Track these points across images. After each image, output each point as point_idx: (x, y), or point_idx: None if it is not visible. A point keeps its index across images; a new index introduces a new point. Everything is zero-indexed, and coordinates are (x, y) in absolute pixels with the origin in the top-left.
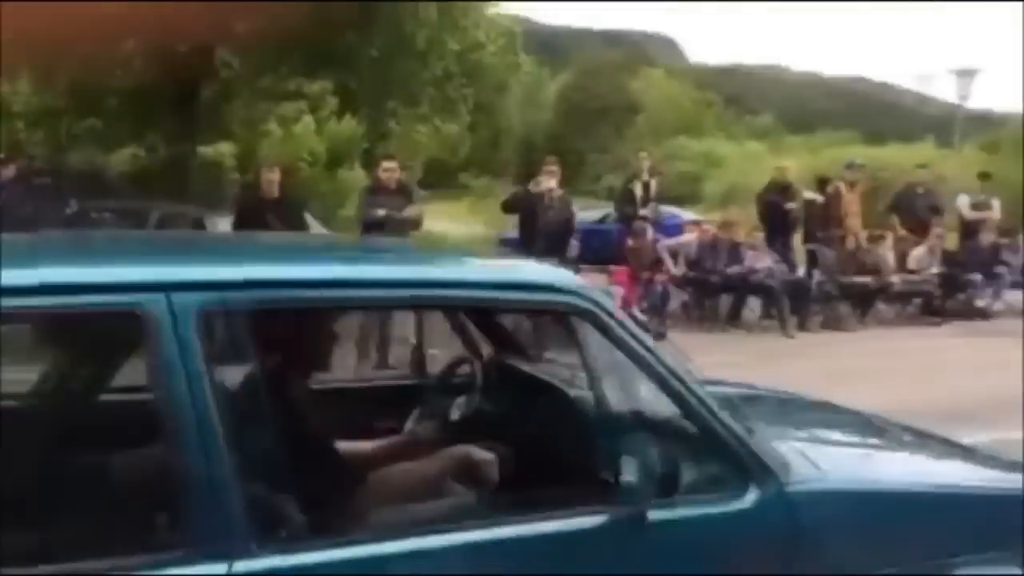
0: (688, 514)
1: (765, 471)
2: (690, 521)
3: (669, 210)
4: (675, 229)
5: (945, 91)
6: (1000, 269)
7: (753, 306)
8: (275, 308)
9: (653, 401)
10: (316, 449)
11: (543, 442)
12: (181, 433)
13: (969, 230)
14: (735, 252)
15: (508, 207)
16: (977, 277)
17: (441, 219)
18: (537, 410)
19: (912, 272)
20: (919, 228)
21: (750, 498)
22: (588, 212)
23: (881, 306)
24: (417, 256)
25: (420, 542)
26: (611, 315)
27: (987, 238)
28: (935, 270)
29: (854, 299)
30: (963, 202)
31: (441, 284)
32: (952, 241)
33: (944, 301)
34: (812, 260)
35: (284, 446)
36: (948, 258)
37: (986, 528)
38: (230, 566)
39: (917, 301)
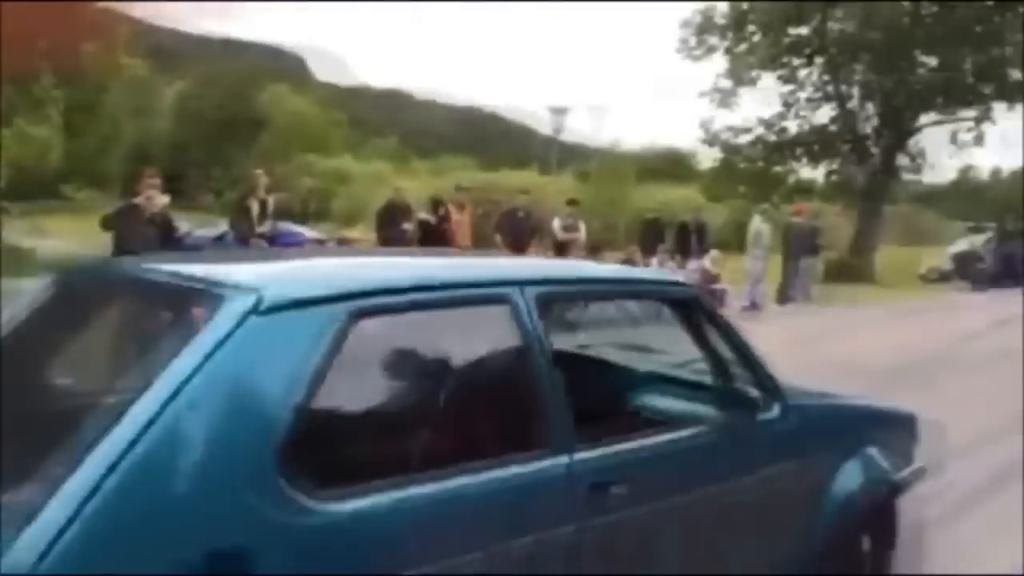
0: (760, 418)
1: (781, 394)
2: (761, 423)
3: (292, 227)
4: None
5: (545, 124)
6: None
7: None
8: (563, 296)
9: (732, 355)
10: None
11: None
12: (538, 372)
13: (561, 248)
14: None
15: (106, 223)
16: None
17: (31, 235)
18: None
19: None
20: (521, 247)
21: (776, 408)
22: (208, 229)
23: None
24: (613, 267)
25: (663, 437)
26: (711, 305)
27: (576, 255)
28: None
29: None
30: (556, 224)
31: (638, 281)
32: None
33: None
34: None
35: (578, 377)
36: None
37: (864, 430)
38: (571, 457)
39: None
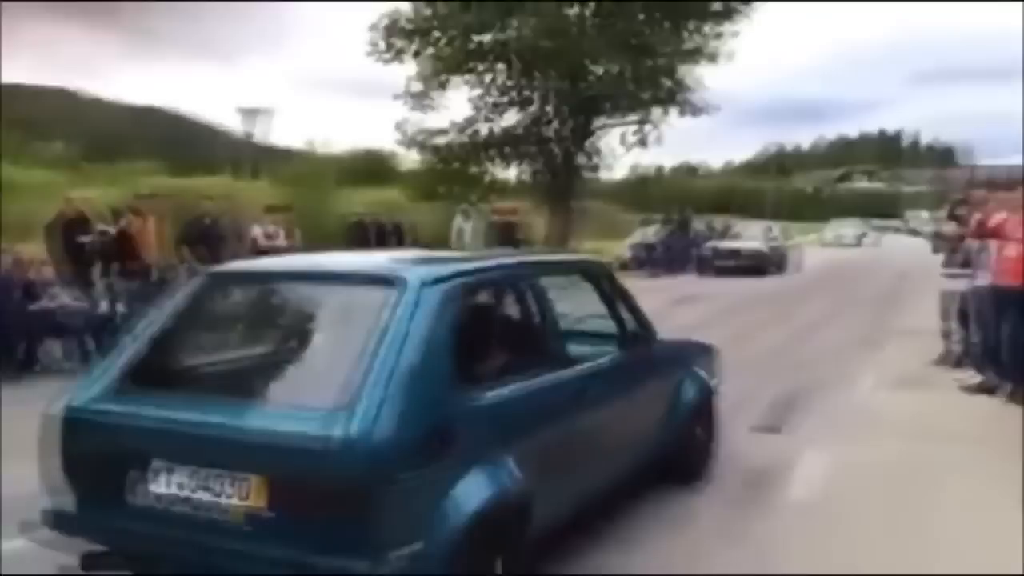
0: (653, 347)
1: (653, 333)
2: (654, 351)
3: None
4: None
5: (238, 126)
6: None
7: (51, 348)
8: (552, 274)
9: (623, 306)
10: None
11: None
12: (553, 322)
13: (264, 256)
14: (30, 289)
15: None
16: None
17: None
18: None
19: None
20: (211, 257)
21: (653, 344)
22: None
23: None
24: (546, 252)
25: (599, 362)
26: (614, 276)
27: None
28: None
29: None
30: (258, 232)
31: (570, 260)
32: None
33: None
34: (113, 294)
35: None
36: None
37: (681, 357)
38: (571, 370)
39: None
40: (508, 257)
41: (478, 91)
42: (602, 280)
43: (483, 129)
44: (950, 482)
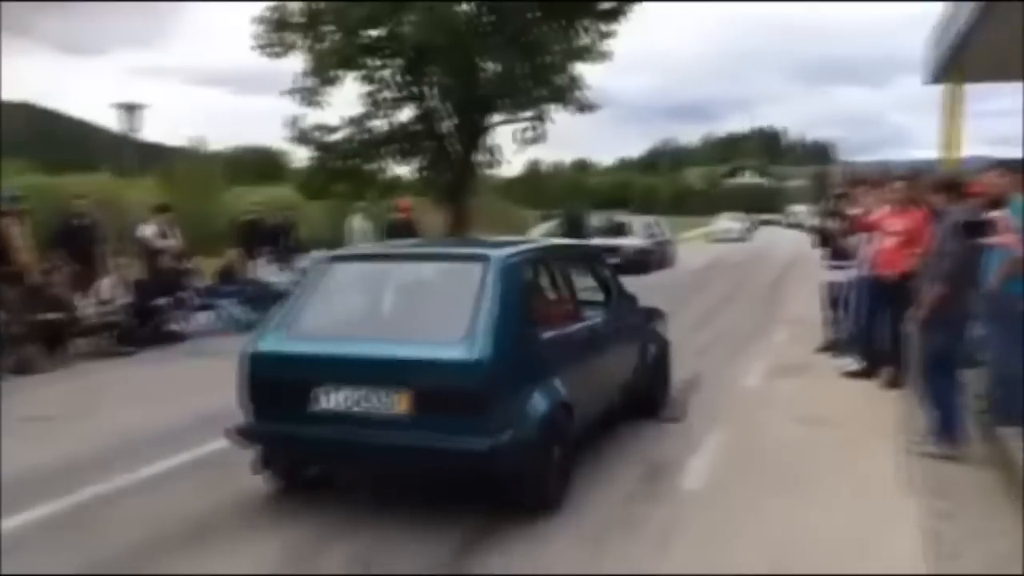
0: (631, 311)
1: (634, 299)
2: (631, 313)
3: None
4: None
5: (115, 123)
6: (185, 293)
7: None
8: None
9: (610, 279)
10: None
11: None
12: (573, 289)
13: (153, 257)
14: None
15: None
16: (164, 302)
17: None
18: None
19: (104, 303)
20: (87, 258)
21: (640, 304)
22: None
23: (79, 341)
24: (560, 240)
25: (591, 318)
26: (604, 258)
27: (169, 264)
28: (125, 299)
29: (45, 338)
30: (149, 231)
31: (579, 245)
32: (140, 269)
33: (137, 329)
34: None
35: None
36: (137, 287)
37: (646, 318)
38: (584, 323)
39: (113, 332)
40: (543, 243)
41: (371, 87)
42: (595, 261)
43: (377, 125)
44: (833, 460)
